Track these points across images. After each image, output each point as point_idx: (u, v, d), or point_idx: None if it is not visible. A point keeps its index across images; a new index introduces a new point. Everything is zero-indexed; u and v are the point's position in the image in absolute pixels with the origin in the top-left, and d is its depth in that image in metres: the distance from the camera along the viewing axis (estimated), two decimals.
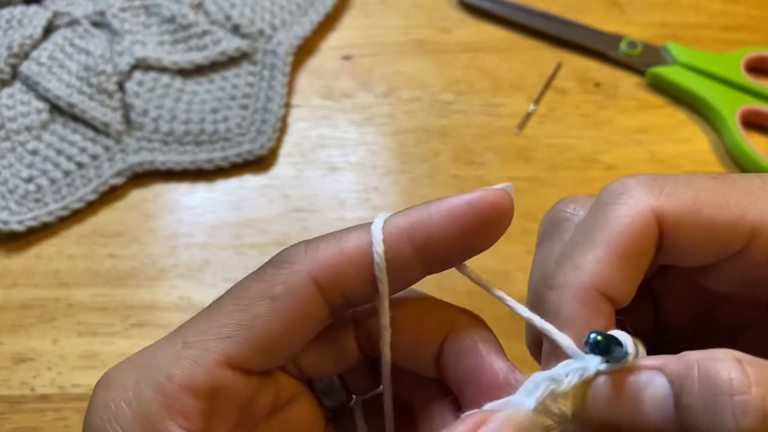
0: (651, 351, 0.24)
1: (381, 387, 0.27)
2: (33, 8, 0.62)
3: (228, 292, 0.24)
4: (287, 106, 0.60)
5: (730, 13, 0.68)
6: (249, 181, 0.57)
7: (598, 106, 0.61)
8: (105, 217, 0.55)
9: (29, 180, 0.55)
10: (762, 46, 0.64)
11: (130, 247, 0.53)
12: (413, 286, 0.26)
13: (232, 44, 0.61)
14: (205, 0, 0.64)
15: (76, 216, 0.55)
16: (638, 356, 0.23)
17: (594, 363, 0.23)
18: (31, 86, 0.58)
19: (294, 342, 0.24)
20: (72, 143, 0.56)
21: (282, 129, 0.59)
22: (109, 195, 0.56)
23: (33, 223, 0.53)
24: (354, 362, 0.26)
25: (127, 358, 0.23)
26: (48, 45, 0.60)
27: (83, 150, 0.56)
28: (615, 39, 0.64)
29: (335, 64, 0.64)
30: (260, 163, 0.57)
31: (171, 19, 0.62)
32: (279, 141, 0.59)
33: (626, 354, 0.22)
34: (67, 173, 0.55)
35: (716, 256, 0.24)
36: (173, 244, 0.53)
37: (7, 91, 0.58)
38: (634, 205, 0.24)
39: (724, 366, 0.20)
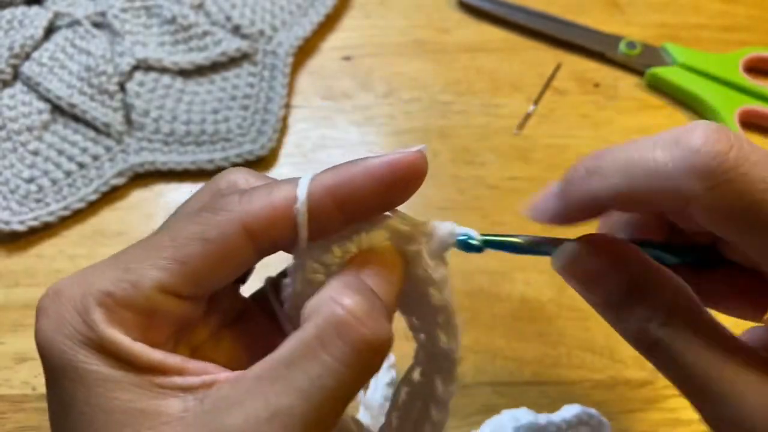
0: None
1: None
2: (34, 9, 0.62)
3: (166, 226, 0.27)
4: (287, 106, 0.61)
5: (729, 14, 0.68)
6: None
7: (597, 107, 0.61)
8: (106, 217, 0.55)
9: (30, 180, 0.55)
10: (761, 47, 0.64)
11: None
12: None
13: (232, 45, 0.61)
14: (206, 1, 0.64)
15: (77, 216, 0.55)
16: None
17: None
18: (33, 87, 0.58)
19: (223, 277, 0.27)
20: (73, 143, 0.56)
21: (282, 129, 0.59)
22: (111, 195, 0.56)
23: (34, 223, 0.53)
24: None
25: (70, 276, 0.26)
26: (49, 45, 0.60)
27: (84, 150, 0.56)
28: (614, 39, 0.64)
29: (335, 64, 0.64)
30: (261, 163, 0.57)
31: (172, 20, 0.62)
32: (279, 141, 0.59)
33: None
34: (68, 173, 0.55)
35: None
36: None
37: (8, 91, 0.58)
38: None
39: None
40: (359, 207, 0.27)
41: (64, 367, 0.25)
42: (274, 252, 0.27)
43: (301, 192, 0.26)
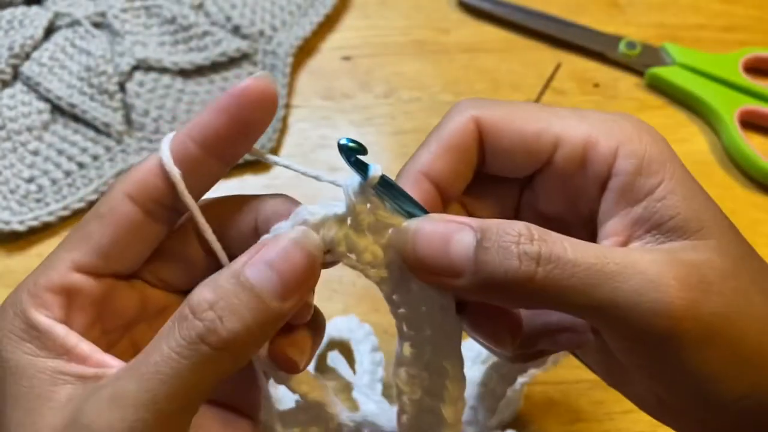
0: None
1: None
2: (34, 9, 0.62)
3: None
4: (287, 106, 0.61)
5: (728, 14, 0.68)
6: (249, 181, 0.57)
7: (597, 107, 0.61)
8: None
9: (30, 180, 0.55)
10: (760, 47, 0.64)
11: None
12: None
13: (232, 45, 0.61)
14: (206, 1, 0.64)
15: (77, 216, 0.55)
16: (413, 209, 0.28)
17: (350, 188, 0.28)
18: (33, 87, 0.58)
19: (127, 247, 0.29)
20: (73, 143, 0.56)
21: (282, 129, 0.59)
22: None
23: (34, 223, 0.53)
24: (207, 270, 0.30)
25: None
26: (49, 45, 0.60)
27: (84, 150, 0.56)
28: (614, 39, 0.64)
29: (335, 64, 0.64)
30: (260, 163, 0.57)
31: (172, 20, 0.62)
32: (279, 141, 0.59)
33: (374, 172, 0.27)
34: (68, 173, 0.55)
35: (528, 161, 0.30)
36: None
37: (8, 91, 0.58)
38: (459, 114, 0.31)
39: (516, 225, 0.27)
40: (220, 142, 0.28)
41: (1, 359, 0.27)
42: (172, 215, 0.29)
43: (164, 145, 0.28)
